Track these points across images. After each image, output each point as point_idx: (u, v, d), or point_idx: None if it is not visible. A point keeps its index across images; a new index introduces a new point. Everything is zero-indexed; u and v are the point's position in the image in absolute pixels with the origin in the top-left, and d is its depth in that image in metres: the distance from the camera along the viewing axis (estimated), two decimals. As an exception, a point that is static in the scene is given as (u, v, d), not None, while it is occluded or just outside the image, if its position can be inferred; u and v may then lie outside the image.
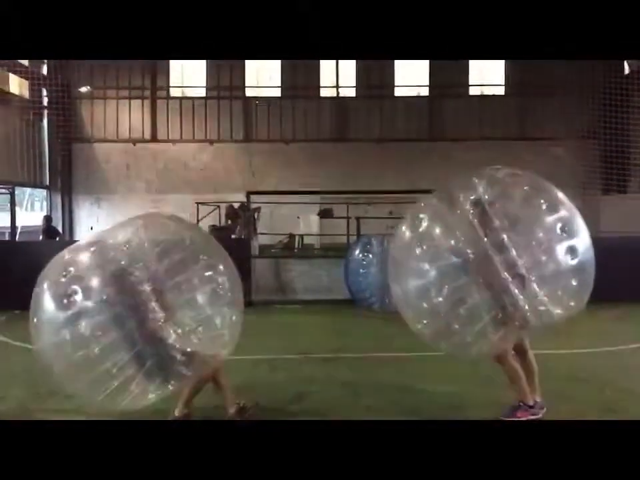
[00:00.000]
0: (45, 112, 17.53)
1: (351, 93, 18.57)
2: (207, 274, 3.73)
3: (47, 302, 3.53)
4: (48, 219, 12.98)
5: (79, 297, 3.46)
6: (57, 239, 11.88)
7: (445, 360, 5.17)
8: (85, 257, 3.62)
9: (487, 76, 18.38)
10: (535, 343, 4.25)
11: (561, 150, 16.26)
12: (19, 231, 13.05)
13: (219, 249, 4.00)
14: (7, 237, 12.68)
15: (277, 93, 18.44)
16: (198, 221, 12.85)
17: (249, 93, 18.49)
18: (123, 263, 3.57)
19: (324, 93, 18.59)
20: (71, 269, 3.59)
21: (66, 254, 3.71)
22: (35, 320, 3.58)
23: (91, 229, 17.66)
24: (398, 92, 18.48)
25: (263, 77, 18.57)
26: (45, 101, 17.43)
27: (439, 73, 17.88)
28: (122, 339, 3.43)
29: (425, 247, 3.83)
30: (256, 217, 11.73)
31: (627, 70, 16.81)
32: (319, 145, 17.85)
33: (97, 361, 3.41)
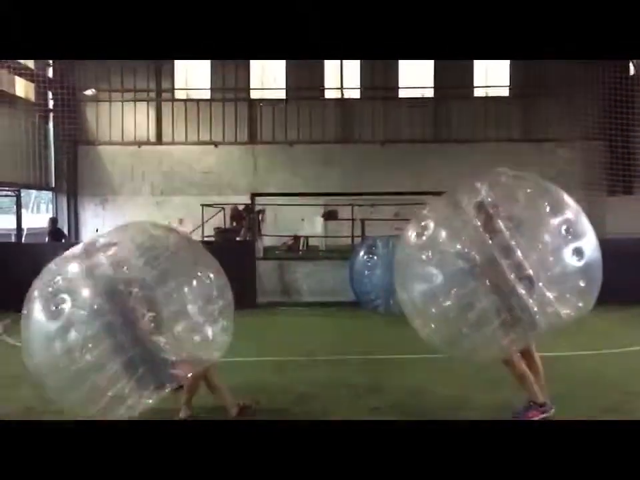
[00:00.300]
0: (51, 114, 17.61)
1: (356, 94, 18.57)
2: (195, 280, 3.76)
3: (36, 314, 3.54)
4: (54, 220, 13.04)
5: (67, 306, 3.47)
6: (63, 240, 11.94)
7: (450, 362, 5.16)
8: (73, 267, 3.63)
9: (492, 77, 18.35)
10: (540, 345, 4.24)
11: (566, 151, 16.22)
12: (25, 232, 13.10)
13: (207, 254, 4.05)
14: (13, 239, 12.73)
15: (281, 94, 18.46)
16: (203, 222, 12.87)
17: (254, 94, 18.52)
18: (111, 271, 3.59)
19: (328, 94, 18.60)
20: (59, 279, 3.60)
21: (53, 265, 3.72)
22: (26, 333, 3.59)
23: (97, 230, 17.72)
24: (402, 93, 18.47)
25: (268, 78, 18.59)
26: (51, 103, 17.51)
27: (444, 75, 17.86)
28: (113, 347, 3.44)
29: (431, 253, 3.83)
30: (261, 218, 11.75)
31: (632, 71, 16.76)
32: (323, 146, 17.85)
33: (89, 372, 3.41)
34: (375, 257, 8.56)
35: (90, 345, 3.42)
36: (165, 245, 3.81)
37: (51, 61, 17.23)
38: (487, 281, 3.66)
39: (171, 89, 18.36)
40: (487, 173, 4.05)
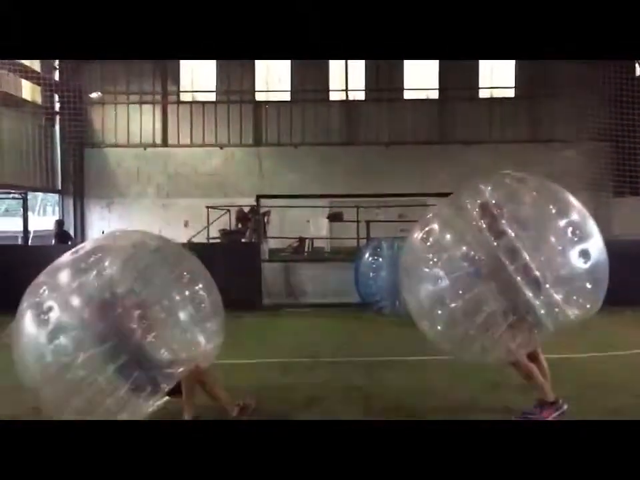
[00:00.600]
0: (57, 117, 17.70)
1: (361, 96, 18.57)
2: (184, 285, 3.82)
3: (27, 327, 3.56)
4: (60, 223, 13.09)
5: (55, 316, 3.50)
6: (69, 242, 11.98)
7: (455, 364, 5.15)
8: (61, 278, 3.65)
9: (497, 78, 18.30)
10: (546, 347, 4.22)
11: (573, 152, 16.15)
12: (31, 235, 13.16)
13: (195, 260, 4.08)
14: (19, 241, 12.80)
15: (286, 96, 18.48)
16: (208, 224, 12.88)
17: (259, 97, 18.55)
18: (101, 280, 3.62)
19: (333, 96, 18.60)
20: (46, 289, 3.62)
21: (42, 276, 3.73)
22: (17, 348, 3.61)
23: (102, 232, 17.78)
24: (407, 95, 18.45)
25: (273, 80, 18.62)
26: (57, 106, 17.59)
27: (449, 76, 17.84)
28: (104, 354, 3.48)
29: (437, 256, 3.83)
30: (266, 220, 11.75)
31: (638, 71, 16.68)
32: (328, 148, 17.85)
33: (83, 381, 3.43)
34: (380, 259, 8.56)
35: (81, 353, 3.45)
36: (151, 252, 3.83)
37: (57, 64, 17.31)
38: (493, 283, 3.65)
39: (177, 91, 18.41)
40: (491, 174, 4.05)
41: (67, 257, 3.82)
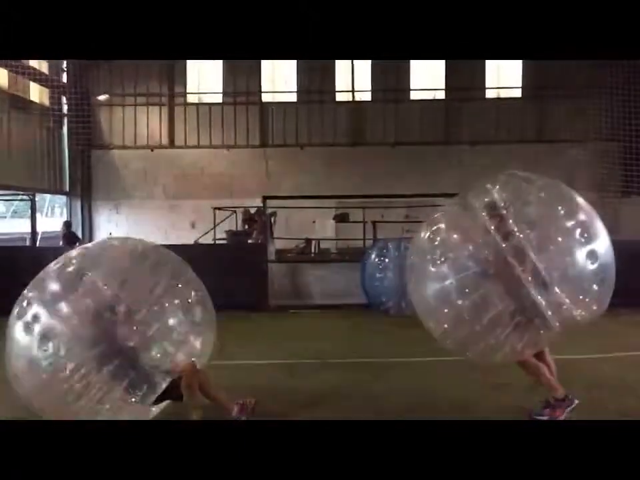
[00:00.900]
0: (65, 119, 17.79)
1: (367, 96, 18.56)
2: (173, 289, 3.87)
3: (17, 336, 3.60)
4: (68, 224, 13.18)
5: (43, 323, 3.54)
6: (77, 244, 12.05)
7: (463, 365, 5.14)
8: (49, 286, 3.69)
9: (504, 78, 18.25)
10: (553, 348, 4.21)
11: (580, 152, 16.07)
12: (39, 236, 13.25)
13: (184, 265, 4.13)
14: (28, 243, 12.88)
15: (292, 97, 18.50)
16: (215, 225, 12.92)
17: (265, 98, 18.58)
18: (92, 285, 3.66)
19: (339, 97, 18.60)
20: (32, 296, 3.66)
21: (31, 286, 3.76)
22: (9, 360, 3.65)
23: (110, 234, 17.85)
24: (414, 95, 18.42)
25: (279, 81, 18.65)
26: (65, 108, 17.69)
27: (455, 76, 17.80)
28: (97, 358, 3.53)
29: (444, 256, 3.83)
30: (272, 221, 11.76)
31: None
32: (334, 149, 17.85)
33: (77, 386, 3.47)
34: (387, 260, 8.55)
35: (73, 358, 3.49)
36: (140, 259, 3.86)
37: (64, 66, 17.41)
38: (500, 283, 3.65)
39: (184, 92, 18.47)
40: (498, 174, 4.04)
41: (52, 266, 3.86)
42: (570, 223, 3.71)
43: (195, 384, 3.87)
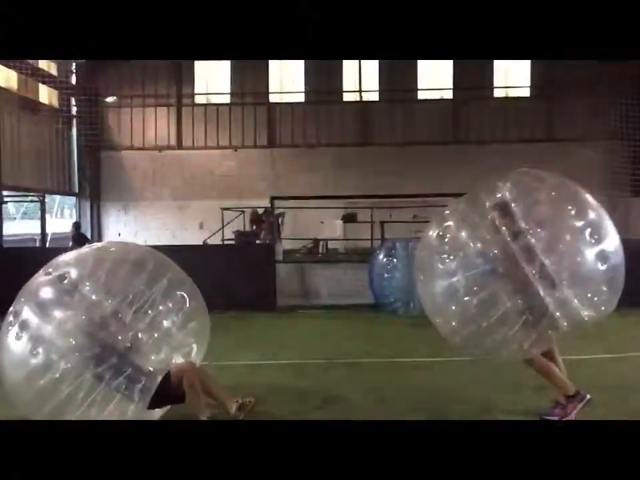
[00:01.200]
0: (74, 121, 17.90)
1: (375, 96, 18.55)
2: (167, 291, 3.87)
3: (10, 342, 3.63)
4: (77, 225, 13.25)
5: (34, 328, 3.57)
6: (86, 245, 12.09)
7: (471, 365, 5.12)
8: (44, 293, 3.72)
9: (512, 77, 18.18)
10: (562, 348, 4.19)
11: (590, 151, 15.98)
12: (49, 237, 13.34)
13: (177, 268, 4.14)
14: (37, 244, 12.97)
15: (300, 98, 18.52)
16: (223, 226, 12.94)
17: (273, 98, 18.61)
18: (85, 289, 3.69)
19: (347, 97, 18.60)
20: (23, 301, 3.70)
21: (22, 296, 3.79)
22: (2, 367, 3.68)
23: (119, 235, 17.95)
24: (421, 95, 18.39)
25: (287, 82, 18.67)
26: (74, 110, 17.80)
27: (463, 76, 17.75)
28: (89, 361, 3.57)
29: (452, 253, 3.82)
30: (280, 221, 11.77)
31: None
32: (342, 149, 17.85)
33: (70, 388, 3.50)
34: (395, 260, 8.53)
35: (63, 362, 3.52)
36: (132, 264, 3.87)
37: (74, 68, 17.52)
38: (509, 282, 3.64)
39: (191, 94, 18.53)
40: (508, 172, 4.02)
41: (41, 273, 3.90)
42: (580, 223, 3.69)
43: (198, 383, 3.85)
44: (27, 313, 3.64)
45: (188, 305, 3.96)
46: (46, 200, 13.30)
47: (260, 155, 18.26)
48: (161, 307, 3.80)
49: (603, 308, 3.70)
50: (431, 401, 4.58)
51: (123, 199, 18.33)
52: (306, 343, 6.89)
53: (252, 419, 4.04)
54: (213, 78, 18.55)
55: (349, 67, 18.18)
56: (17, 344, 3.59)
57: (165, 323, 3.84)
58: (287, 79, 18.62)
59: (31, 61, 15.30)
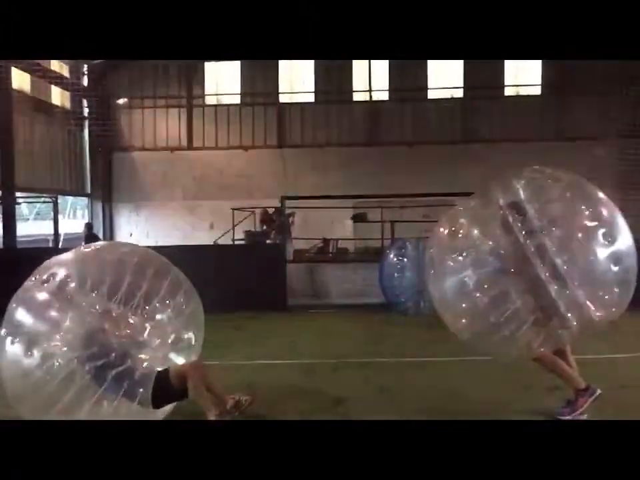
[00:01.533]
0: (86, 122, 18.04)
1: (384, 96, 18.51)
2: (164, 290, 3.88)
3: (6, 346, 3.65)
4: (89, 226, 13.36)
5: (32, 330, 3.60)
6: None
7: (482, 365, 5.11)
8: (39, 297, 3.73)
9: (523, 76, 18.06)
10: (579, 347, 4.17)
11: (602, 150, 15.84)
12: (61, 238, 13.46)
13: (174, 269, 4.14)
14: (50, 244, 13.09)
15: (310, 97, 18.53)
16: (233, 226, 12.99)
17: (283, 98, 18.64)
18: (77, 289, 3.71)
19: (357, 97, 18.58)
20: (15, 305, 3.72)
21: (14, 301, 3.81)
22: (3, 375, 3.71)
23: (130, 235, 18.07)
24: (431, 94, 18.33)
25: (296, 82, 18.69)
26: (86, 111, 17.94)
27: (474, 74, 17.66)
28: (87, 362, 3.59)
29: (464, 251, 3.81)
30: (290, 221, 11.80)
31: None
32: (352, 148, 17.84)
33: (70, 387, 3.53)
34: (405, 259, 8.52)
35: (62, 361, 3.55)
36: (132, 265, 3.89)
37: (85, 70, 17.66)
38: (520, 280, 3.63)
39: (202, 94, 18.60)
40: (521, 170, 4.00)
41: (34, 276, 3.91)
42: (594, 223, 3.65)
43: (201, 383, 3.82)
44: (22, 316, 3.67)
45: (178, 294, 3.95)
46: (59, 201, 13.44)
47: (270, 155, 18.29)
48: (154, 301, 3.81)
49: (612, 310, 3.67)
50: (441, 401, 4.57)
51: (135, 200, 18.44)
52: (316, 343, 6.90)
53: (261, 419, 4.06)
54: (223, 79, 18.62)
55: (359, 67, 18.15)
56: (12, 347, 3.61)
57: (159, 317, 3.85)
58: (296, 79, 18.63)
59: (43, 63, 15.45)
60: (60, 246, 12.24)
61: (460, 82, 18.10)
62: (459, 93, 18.26)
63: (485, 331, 3.74)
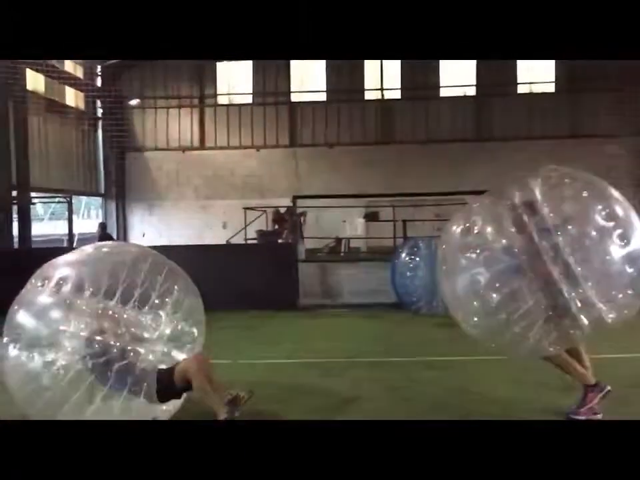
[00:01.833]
0: (100, 123, 18.20)
1: (396, 94, 18.45)
2: (160, 285, 3.88)
3: (9, 348, 3.68)
4: (103, 226, 13.47)
5: (34, 330, 3.62)
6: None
7: (495, 365, 5.08)
8: (41, 299, 3.76)
9: (536, 73, 17.91)
10: (595, 347, 4.13)
11: (616, 147, 15.66)
12: (76, 237, 13.60)
13: (175, 268, 4.14)
14: (65, 244, 13.22)
15: (322, 97, 18.53)
16: (246, 225, 13.04)
17: (294, 97, 18.65)
18: (82, 289, 3.73)
19: (368, 95, 18.55)
20: (17, 308, 3.75)
21: (15, 306, 3.82)
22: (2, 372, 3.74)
23: (143, 235, 18.20)
24: (444, 92, 18.25)
25: (308, 81, 18.70)
26: (100, 112, 18.09)
27: (486, 72, 17.55)
28: (90, 361, 3.61)
29: (476, 247, 3.79)
30: (302, 221, 11.82)
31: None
32: (364, 147, 17.81)
33: (79, 386, 3.56)
34: (417, 258, 8.49)
35: (63, 361, 3.58)
36: (130, 265, 3.90)
37: (99, 71, 17.80)
38: (533, 279, 3.60)
39: (214, 94, 18.68)
40: (536, 169, 3.97)
41: (33, 279, 3.93)
42: (610, 224, 3.61)
43: (206, 382, 3.75)
44: (23, 319, 3.70)
45: (175, 288, 3.94)
46: (73, 201, 13.57)
47: (282, 154, 18.32)
48: (152, 297, 3.81)
49: (625, 312, 3.64)
50: (453, 400, 4.56)
51: (148, 199, 18.57)
52: (328, 342, 6.90)
53: (272, 419, 4.07)
54: (235, 78, 18.67)
55: (371, 66, 18.12)
56: (14, 349, 3.65)
57: (158, 312, 3.85)
58: (308, 78, 18.64)
59: (57, 64, 15.60)
60: (74, 246, 12.35)
61: (473, 80, 17.99)
62: (472, 91, 18.16)
63: (496, 329, 3.72)
